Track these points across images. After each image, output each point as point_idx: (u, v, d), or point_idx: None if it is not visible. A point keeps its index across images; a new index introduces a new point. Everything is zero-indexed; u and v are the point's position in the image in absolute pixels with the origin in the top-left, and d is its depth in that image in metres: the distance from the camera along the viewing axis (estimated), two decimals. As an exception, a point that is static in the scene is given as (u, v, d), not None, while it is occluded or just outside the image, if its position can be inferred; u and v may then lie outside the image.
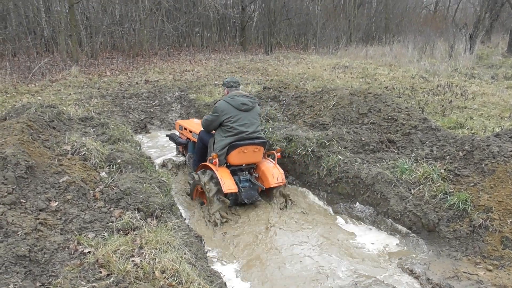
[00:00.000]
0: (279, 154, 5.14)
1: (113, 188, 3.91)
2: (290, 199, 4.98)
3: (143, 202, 3.68)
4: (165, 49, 17.51)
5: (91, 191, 3.83)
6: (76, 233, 3.11)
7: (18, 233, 2.82)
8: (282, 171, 4.95)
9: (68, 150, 4.40)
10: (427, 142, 5.20)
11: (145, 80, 10.79)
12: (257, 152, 4.87)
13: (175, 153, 6.52)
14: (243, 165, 4.91)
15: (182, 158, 6.24)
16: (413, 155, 4.99)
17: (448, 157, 4.63)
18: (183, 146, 6.21)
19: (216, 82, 10.48)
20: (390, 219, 4.32)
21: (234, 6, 21.45)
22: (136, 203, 3.66)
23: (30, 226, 2.92)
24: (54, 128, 5.08)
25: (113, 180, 4.07)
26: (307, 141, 5.58)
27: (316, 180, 5.31)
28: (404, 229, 4.18)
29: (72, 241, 3.01)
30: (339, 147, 5.37)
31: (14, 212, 3.02)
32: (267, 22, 19.77)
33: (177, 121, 6.55)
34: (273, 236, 4.19)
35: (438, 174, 4.35)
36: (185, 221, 4.08)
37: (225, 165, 4.81)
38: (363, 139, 5.54)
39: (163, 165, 6.01)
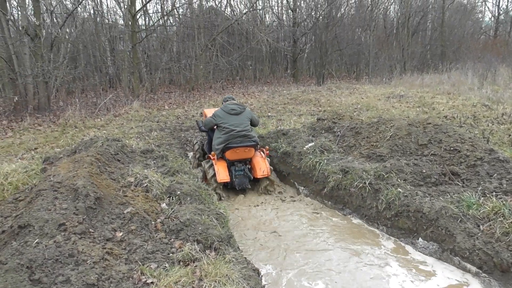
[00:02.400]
0: (267, 152, 6.42)
1: (173, 219, 4.02)
2: (273, 190, 6.36)
3: (202, 234, 3.75)
4: (219, 83, 18.11)
5: (153, 222, 3.96)
6: (140, 263, 3.21)
7: (87, 261, 2.96)
8: (268, 165, 6.21)
9: (132, 182, 4.61)
10: (495, 174, 4.91)
11: (201, 113, 11.17)
12: (248, 151, 6.18)
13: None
14: (240, 159, 6.22)
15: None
16: (480, 188, 4.72)
17: (519, 190, 4.34)
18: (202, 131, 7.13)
19: (269, 114, 10.63)
20: (458, 257, 4.07)
21: (285, 40, 21.90)
22: (195, 234, 3.73)
23: (98, 255, 3.06)
24: (118, 160, 5.35)
25: (173, 212, 4.19)
26: (364, 173, 5.46)
27: (375, 213, 5.15)
28: (473, 268, 3.92)
29: (136, 271, 3.11)
30: (398, 180, 5.20)
31: (84, 241, 3.19)
32: (318, 53, 19.99)
33: (204, 110, 8.16)
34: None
35: (510, 210, 4.07)
36: (242, 254, 4.09)
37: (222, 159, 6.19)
38: (424, 171, 5.33)
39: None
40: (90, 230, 3.41)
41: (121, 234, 3.55)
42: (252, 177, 6.24)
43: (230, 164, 6.21)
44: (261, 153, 6.37)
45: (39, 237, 3.12)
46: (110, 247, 3.28)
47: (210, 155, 6.22)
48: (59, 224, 3.27)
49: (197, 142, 7.76)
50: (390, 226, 4.94)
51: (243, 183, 6.18)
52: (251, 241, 4.78)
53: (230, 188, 6.30)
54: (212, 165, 6.12)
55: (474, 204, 4.37)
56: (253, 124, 6.51)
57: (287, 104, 12.29)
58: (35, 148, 7.49)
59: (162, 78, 18.20)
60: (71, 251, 3.00)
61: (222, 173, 5.99)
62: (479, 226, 4.13)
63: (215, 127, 6.31)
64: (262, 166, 6.16)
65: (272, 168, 6.42)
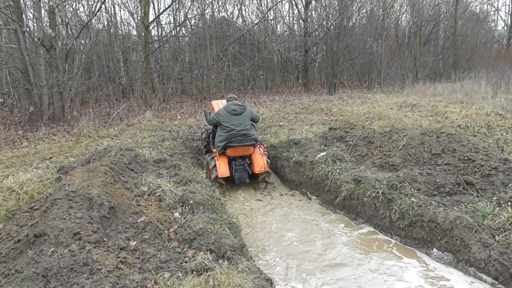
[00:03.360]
0: (265, 149, 7.04)
1: (186, 229, 4.04)
2: (270, 183, 7.01)
3: (214, 243, 3.75)
4: (231, 92, 18.20)
5: (166, 231, 3.98)
6: (153, 273, 3.22)
7: (102, 270, 2.99)
8: (265, 161, 6.79)
9: (145, 191, 4.65)
10: (510, 184, 4.84)
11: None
12: (247, 149, 6.73)
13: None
14: (239, 156, 6.79)
15: None
16: (494, 198, 4.65)
17: (536, 201, 4.27)
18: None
19: (281, 123, 10.64)
20: (473, 268, 4.01)
21: (297, 49, 21.97)
22: (208, 244, 3.74)
23: (112, 264, 3.08)
24: (132, 170, 5.40)
25: (186, 221, 4.21)
26: (377, 182, 5.43)
27: (388, 223, 5.11)
28: (489, 279, 3.85)
29: (150, 280, 3.13)
30: (412, 189, 5.16)
31: (98, 250, 3.22)
32: (330, 63, 20.00)
33: (212, 101, 8.80)
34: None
35: (525, 220, 4.01)
36: (255, 264, 4.08)
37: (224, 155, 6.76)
38: (438, 181, 5.28)
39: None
40: (104, 239, 3.44)
41: (134, 243, 3.57)
42: (251, 172, 6.84)
43: (231, 159, 6.81)
44: (260, 149, 6.96)
45: (54, 246, 3.16)
46: (124, 256, 3.30)
47: (212, 151, 6.90)
48: (74, 233, 3.32)
49: (204, 131, 8.15)
50: (404, 236, 4.89)
51: (242, 177, 6.77)
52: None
53: (231, 181, 6.89)
54: (213, 158, 6.78)
55: (489, 214, 4.32)
56: (254, 121, 7.02)
57: (299, 114, 12.29)
58: (50, 158, 7.59)
59: (174, 88, 18.37)
60: (86, 260, 3.03)
61: (222, 169, 6.60)
62: (494, 236, 4.07)
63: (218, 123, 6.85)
64: (260, 162, 6.75)
65: (269, 161, 7.10)
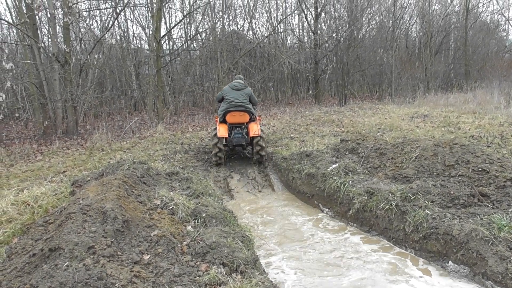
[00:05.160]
0: (259, 119, 8.48)
1: (199, 242, 4.04)
2: (263, 147, 8.07)
3: (227, 257, 3.75)
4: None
5: (179, 245, 3.99)
6: (167, 287, 3.23)
7: (116, 285, 3.00)
8: (259, 128, 7.92)
9: (158, 205, 4.68)
10: (527, 196, 4.76)
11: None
12: (243, 116, 8.05)
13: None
14: (237, 123, 8.11)
15: None
16: (510, 210, 4.58)
17: (553, 213, 4.19)
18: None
19: (292, 135, 10.64)
20: (490, 281, 3.94)
21: (307, 61, 22.06)
22: (221, 257, 3.73)
23: (126, 279, 3.10)
24: (145, 183, 5.44)
25: (198, 234, 4.21)
26: (390, 194, 5.38)
27: (402, 236, 5.04)
28: (507, 294, 3.77)
29: (163, 294, 3.13)
30: (426, 201, 5.10)
31: (112, 264, 3.23)
32: (340, 74, 20.01)
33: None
34: None
35: (543, 232, 3.93)
36: (268, 277, 4.05)
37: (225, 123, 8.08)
38: (452, 192, 5.21)
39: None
40: (118, 253, 3.46)
41: (148, 257, 3.58)
42: (247, 138, 8.11)
43: (231, 129, 8.13)
44: (256, 121, 8.24)
45: (69, 260, 3.19)
46: (138, 270, 3.32)
47: (215, 118, 8.51)
48: (88, 247, 3.34)
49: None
50: (418, 249, 4.82)
51: (239, 140, 8.11)
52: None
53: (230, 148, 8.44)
54: (215, 127, 8.09)
55: (505, 226, 4.24)
56: (251, 101, 8.31)
57: (310, 125, 12.28)
58: (64, 171, 7.68)
59: (185, 101, 18.54)
60: (100, 274, 3.05)
61: (221, 131, 7.81)
62: (511, 249, 4.00)
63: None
64: (254, 128, 7.92)
65: (262, 129, 8.19)
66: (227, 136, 7.90)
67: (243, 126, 8.15)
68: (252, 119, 8.23)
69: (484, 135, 8.77)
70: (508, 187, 5.06)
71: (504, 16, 31.32)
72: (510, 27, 33.84)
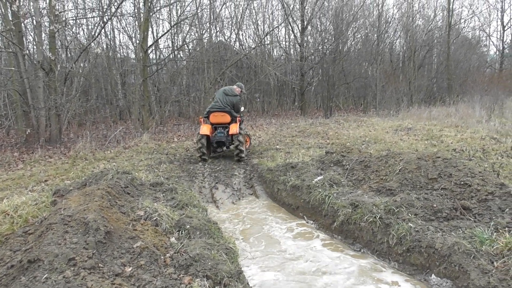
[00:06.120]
0: (239, 120, 9.17)
1: (182, 254, 3.99)
2: (241, 142, 8.96)
3: (211, 269, 3.71)
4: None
5: (162, 257, 3.94)
6: (149, 300, 3.17)
7: (97, 298, 2.94)
8: (238, 128, 8.87)
9: (141, 216, 4.62)
10: (507, 209, 4.84)
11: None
12: (224, 116, 9.11)
13: None
14: (219, 123, 9.19)
15: None
16: (492, 223, 4.65)
17: (533, 226, 4.26)
18: None
19: (277, 147, 10.66)
20: (472, 295, 3.97)
21: (293, 73, 22.25)
22: (205, 270, 3.69)
23: (107, 291, 3.03)
24: (128, 193, 5.38)
25: (182, 246, 4.16)
26: (374, 207, 5.42)
27: (386, 248, 5.07)
28: (488, 307, 3.81)
29: (145, 307, 3.07)
30: (409, 214, 5.15)
31: (93, 276, 3.17)
32: (326, 86, 20.22)
33: None
34: None
35: (523, 246, 3.99)
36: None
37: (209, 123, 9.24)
38: (435, 205, 5.27)
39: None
40: (100, 265, 3.39)
41: (130, 269, 3.52)
42: (229, 137, 9.20)
43: (214, 129, 9.25)
44: (236, 122, 9.10)
45: (49, 272, 3.12)
46: (119, 282, 3.26)
47: (200, 120, 9.42)
48: (69, 259, 3.27)
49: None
50: (402, 262, 4.85)
51: (220, 138, 9.17)
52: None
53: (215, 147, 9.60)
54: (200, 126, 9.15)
55: (487, 240, 4.30)
56: (234, 108, 9.27)
57: (295, 137, 12.34)
58: (45, 180, 7.54)
59: (171, 111, 18.48)
60: (80, 286, 2.98)
61: (204, 129, 8.92)
62: (493, 262, 4.05)
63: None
64: (234, 128, 8.91)
65: (242, 128, 9.23)
66: (209, 134, 8.96)
67: (225, 127, 9.21)
68: (234, 121, 9.17)
69: (466, 148, 8.94)
70: (489, 201, 5.14)
71: (485, 32, 32.25)
72: (491, 42, 34.77)
